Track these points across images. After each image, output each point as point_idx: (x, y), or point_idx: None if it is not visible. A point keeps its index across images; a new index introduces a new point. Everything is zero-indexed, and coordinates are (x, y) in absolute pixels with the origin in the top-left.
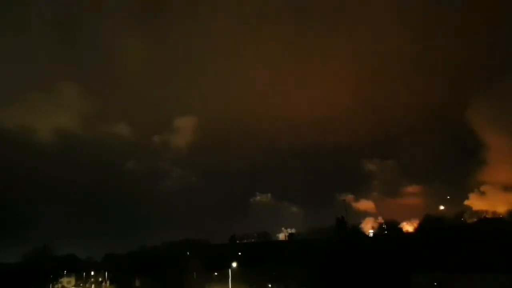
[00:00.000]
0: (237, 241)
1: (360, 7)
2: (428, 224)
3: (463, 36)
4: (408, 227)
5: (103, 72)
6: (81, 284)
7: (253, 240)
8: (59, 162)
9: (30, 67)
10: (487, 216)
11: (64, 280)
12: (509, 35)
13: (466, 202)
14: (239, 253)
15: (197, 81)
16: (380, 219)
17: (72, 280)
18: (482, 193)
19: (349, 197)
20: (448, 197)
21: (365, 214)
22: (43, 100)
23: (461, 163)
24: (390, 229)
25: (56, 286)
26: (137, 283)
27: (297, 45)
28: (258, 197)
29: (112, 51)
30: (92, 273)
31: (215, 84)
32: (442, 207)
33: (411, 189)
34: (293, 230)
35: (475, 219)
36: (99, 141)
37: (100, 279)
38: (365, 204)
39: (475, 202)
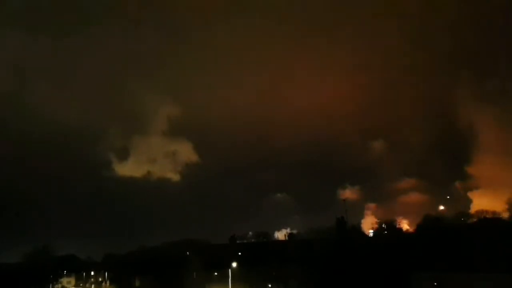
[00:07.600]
0: (237, 241)
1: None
2: (428, 224)
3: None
4: (406, 225)
5: None
6: (81, 284)
7: (253, 240)
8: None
9: None
10: (487, 216)
11: (64, 280)
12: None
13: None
14: (239, 253)
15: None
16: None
17: (72, 280)
18: (476, 190)
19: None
20: (448, 197)
21: (362, 203)
22: None
23: (457, 158)
24: (389, 229)
25: (56, 286)
26: (137, 283)
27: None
28: (256, 196)
29: None
30: (92, 273)
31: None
32: (442, 207)
33: (407, 183)
34: (291, 226)
35: (475, 219)
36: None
37: (100, 279)
38: (358, 194)
39: (470, 198)
